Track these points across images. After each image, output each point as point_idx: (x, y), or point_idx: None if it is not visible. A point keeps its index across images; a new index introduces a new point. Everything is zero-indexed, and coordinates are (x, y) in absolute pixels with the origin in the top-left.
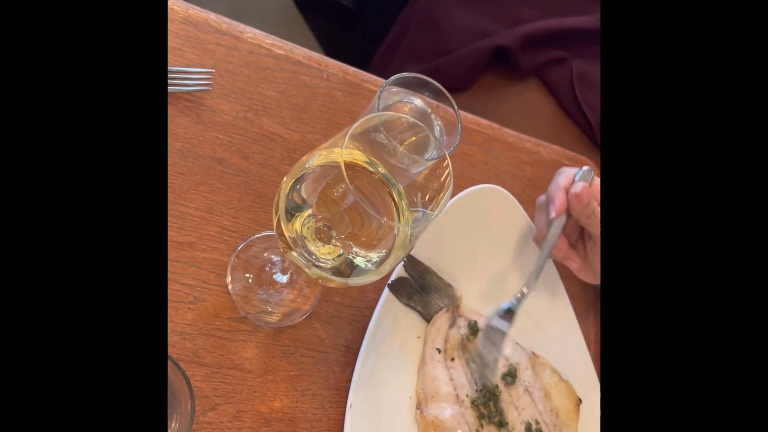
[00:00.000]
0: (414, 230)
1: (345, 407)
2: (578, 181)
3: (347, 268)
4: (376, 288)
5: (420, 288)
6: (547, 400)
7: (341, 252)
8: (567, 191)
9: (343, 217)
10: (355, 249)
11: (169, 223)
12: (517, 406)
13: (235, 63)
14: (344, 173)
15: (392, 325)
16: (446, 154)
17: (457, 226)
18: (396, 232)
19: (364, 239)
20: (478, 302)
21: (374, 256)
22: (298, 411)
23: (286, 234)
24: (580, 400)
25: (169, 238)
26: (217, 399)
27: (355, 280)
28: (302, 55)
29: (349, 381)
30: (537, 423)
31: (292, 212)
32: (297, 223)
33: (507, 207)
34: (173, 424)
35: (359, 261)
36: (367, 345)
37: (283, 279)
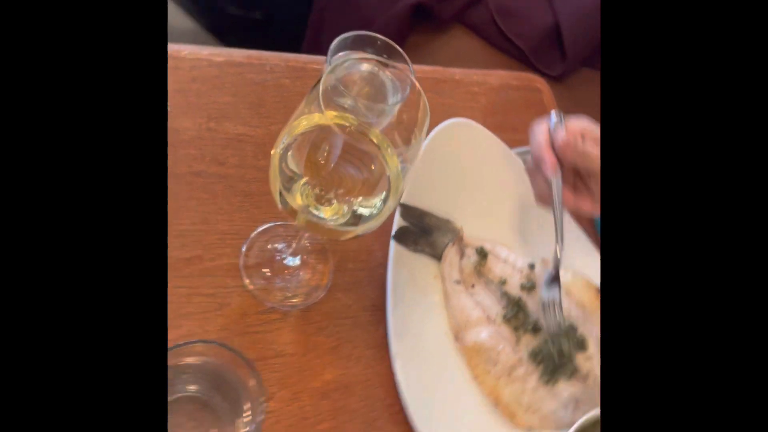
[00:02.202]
0: (403, 162)
1: (389, 360)
2: (554, 129)
3: (357, 221)
4: (382, 245)
5: (422, 231)
6: (570, 296)
7: (345, 208)
8: (550, 145)
9: (335, 175)
10: (356, 201)
11: (171, 243)
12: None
13: (181, 81)
14: (333, 127)
15: (409, 273)
16: (413, 81)
17: (436, 165)
18: (387, 170)
19: (361, 190)
20: (478, 229)
21: (376, 200)
22: (349, 376)
23: (293, 206)
24: (599, 289)
25: (175, 256)
26: (272, 388)
27: (368, 226)
28: (242, 56)
29: (386, 336)
30: (566, 319)
31: (288, 186)
32: (297, 196)
33: (477, 136)
34: (248, 416)
35: (364, 211)
36: (391, 299)
37: (295, 261)
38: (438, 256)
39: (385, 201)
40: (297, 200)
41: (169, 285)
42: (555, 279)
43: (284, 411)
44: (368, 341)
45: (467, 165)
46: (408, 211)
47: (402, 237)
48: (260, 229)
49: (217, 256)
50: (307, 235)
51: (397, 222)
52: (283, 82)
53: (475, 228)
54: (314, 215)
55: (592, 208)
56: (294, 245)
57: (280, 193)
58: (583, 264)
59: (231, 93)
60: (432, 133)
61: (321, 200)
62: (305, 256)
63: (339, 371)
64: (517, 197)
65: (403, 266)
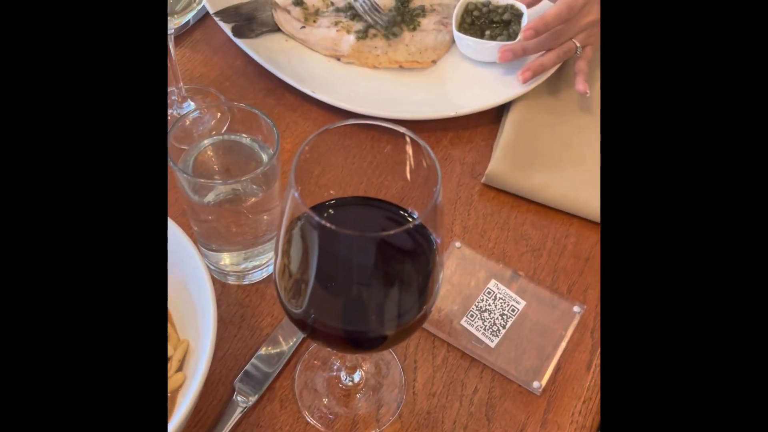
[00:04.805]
0: None
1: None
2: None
3: None
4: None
5: (248, 19)
6: None
7: None
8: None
9: None
10: None
11: None
12: None
13: None
14: None
15: (267, 53)
16: None
17: None
18: None
19: None
20: None
21: None
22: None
23: None
24: None
25: None
26: None
27: None
28: None
29: (301, 99)
30: None
31: None
32: None
33: None
34: None
35: None
36: (279, 72)
37: None
38: (275, 27)
39: None
40: None
41: None
42: None
43: None
44: (293, 110)
45: None
46: (224, 13)
47: (240, 32)
48: None
49: None
50: None
51: (225, 27)
52: None
53: None
54: None
55: None
56: None
57: None
58: None
59: None
60: None
61: None
62: None
63: None
64: None
65: (263, 51)
